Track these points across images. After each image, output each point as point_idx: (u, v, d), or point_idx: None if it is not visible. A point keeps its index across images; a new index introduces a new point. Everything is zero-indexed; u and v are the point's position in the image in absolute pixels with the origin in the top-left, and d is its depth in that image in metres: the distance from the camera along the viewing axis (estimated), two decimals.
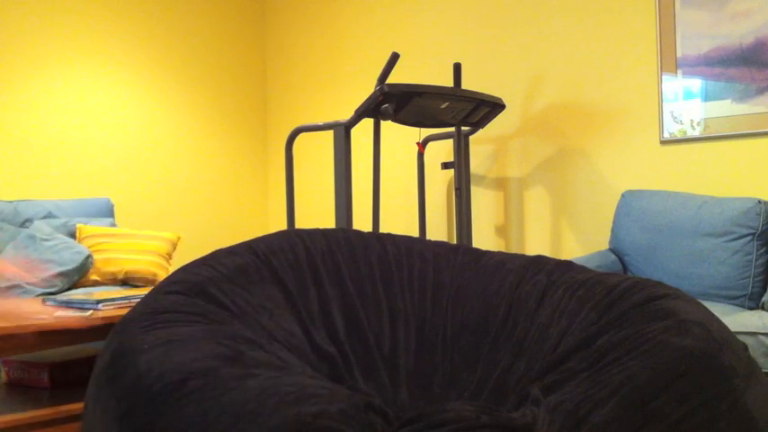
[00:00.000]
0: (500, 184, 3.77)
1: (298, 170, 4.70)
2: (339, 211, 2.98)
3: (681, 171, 3.18)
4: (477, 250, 2.11)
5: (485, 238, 3.82)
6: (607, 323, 1.52)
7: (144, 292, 2.30)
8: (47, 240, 3.15)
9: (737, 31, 3.00)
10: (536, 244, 3.63)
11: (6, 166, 3.61)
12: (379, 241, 2.08)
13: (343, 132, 2.98)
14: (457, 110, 3.15)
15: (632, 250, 3.00)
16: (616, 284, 1.70)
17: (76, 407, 1.93)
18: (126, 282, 3.36)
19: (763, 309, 2.56)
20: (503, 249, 3.76)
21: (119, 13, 4.10)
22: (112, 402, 1.26)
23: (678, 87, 3.17)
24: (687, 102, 3.15)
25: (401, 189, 4.16)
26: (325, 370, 1.73)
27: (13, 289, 2.91)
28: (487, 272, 1.99)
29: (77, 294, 2.24)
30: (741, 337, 2.29)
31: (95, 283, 3.29)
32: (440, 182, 4.01)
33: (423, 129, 3.97)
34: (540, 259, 1.98)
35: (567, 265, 1.92)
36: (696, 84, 3.12)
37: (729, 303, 2.72)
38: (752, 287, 2.70)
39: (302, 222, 4.68)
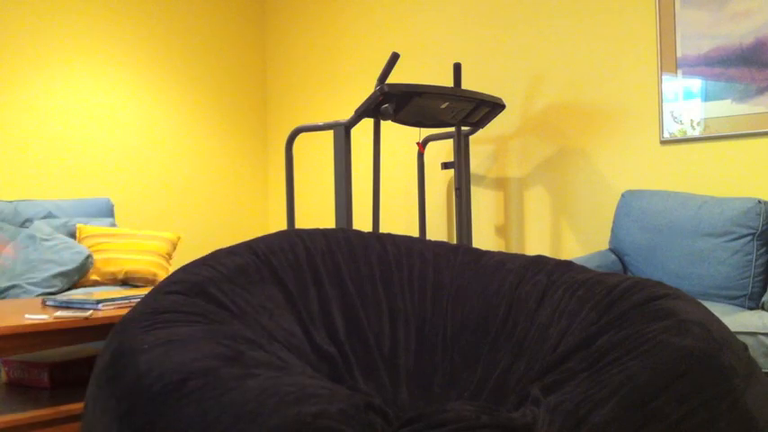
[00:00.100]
0: (500, 184, 3.77)
1: (298, 170, 4.70)
2: (339, 211, 2.98)
3: (681, 171, 3.18)
4: (477, 250, 2.11)
5: (485, 238, 3.82)
6: (607, 323, 1.52)
7: (144, 292, 2.30)
8: (47, 240, 3.15)
9: (737, 31, 3.00)
10: (536, 244, 3.63)
11: (6, 166, 3.61)
12: (379, 241, 2.08)
13: (343, 132, 2.98)
14: (457, 110, 3.15)
15: (632, 250, 3.00)
16: (616, 284, 1.70)
17: (76, 407, 1.93)
18: (126, 282, 3.36)
19: (763, 309, 2.56)
20: (503, 249, 3.76)
21: (119, 13, 4.10)
22: (112, 402, 1.26)
23: (678, 87, 3.17)
24: (687, 102, 3.15)
25: (401, 189, 4.16)
26: (326, 370, 1.73)
27: (13, 289, 2.91)
28: (487, 272, 1.99)
29: (77, 294, 2.24)
30: (741, 337, 2.29)
31: (95, 283, 3.29)
32: (440, 182, 4.01)
33: (423, 129, 3.97)
34: (540, 259, 1.98)
35: (567, 265, 1.92)
36: (696, 84, 3.12)
37: (729, 303, 2.72)
38: (752, 287, 2.70)
39: (302, 222, 4.68)
